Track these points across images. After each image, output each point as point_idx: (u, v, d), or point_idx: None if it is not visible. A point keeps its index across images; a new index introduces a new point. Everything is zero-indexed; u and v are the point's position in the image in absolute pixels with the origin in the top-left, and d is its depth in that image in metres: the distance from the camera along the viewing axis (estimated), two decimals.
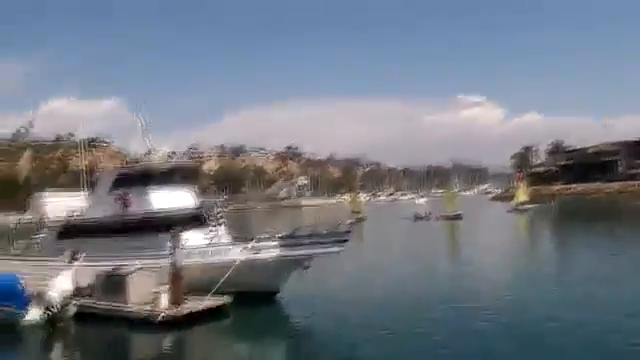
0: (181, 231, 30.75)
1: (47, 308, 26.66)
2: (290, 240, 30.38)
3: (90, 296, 28.55)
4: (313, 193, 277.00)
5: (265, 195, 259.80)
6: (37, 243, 42.87)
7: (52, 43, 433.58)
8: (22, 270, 33.14)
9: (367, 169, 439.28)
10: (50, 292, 27.12)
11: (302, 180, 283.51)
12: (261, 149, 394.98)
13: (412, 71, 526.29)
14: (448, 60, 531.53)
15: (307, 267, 30.29)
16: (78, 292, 29.00)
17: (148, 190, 33.49)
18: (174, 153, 36.31)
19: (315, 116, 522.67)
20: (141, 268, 27.67)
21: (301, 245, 29.62)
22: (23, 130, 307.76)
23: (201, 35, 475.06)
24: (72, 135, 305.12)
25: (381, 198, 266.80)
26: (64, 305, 26.85)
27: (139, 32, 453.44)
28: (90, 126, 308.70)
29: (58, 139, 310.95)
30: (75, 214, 37.84)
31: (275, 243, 30.20)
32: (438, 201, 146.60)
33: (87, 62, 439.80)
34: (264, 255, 29.82)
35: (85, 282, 31.04)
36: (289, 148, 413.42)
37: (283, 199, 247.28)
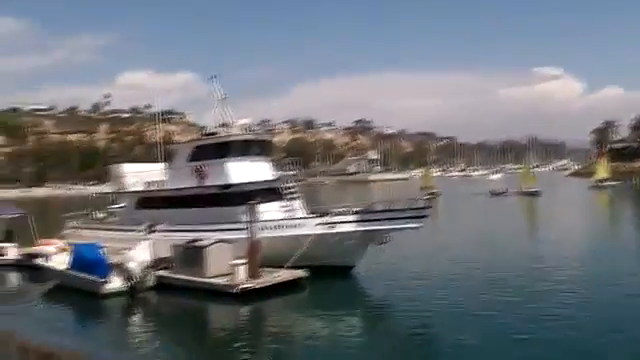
0: (258, 204, 30.87)
1: (128, 278, 27.06)
2: (367, 215, 29.98)
3: (168, 267, 28.81)
4: (383, 168, 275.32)
5: (334, 169, 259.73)
6: (115, 214, 43.95)
7: (128, 17, 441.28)
8: (102, 240, 34.03)
9: (440, 143, 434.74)
10: (131, 262, 27.44)
11: (372, 154, 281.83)
12: (331, 123, 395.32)
13: (488, 44, 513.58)
14: (525, 33, 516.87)
15: (383, 242, 29.86)
16: (156, 263, 29.36)
17: (225, 162, 33.53)
18: (250, 126, 35.87)
19: (388, 89, 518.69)
20: (219, 240, 27.66)
21: (378, 220, 29.17)
22: (101, 103, 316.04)
23: (268, 6, 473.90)
24: (148, 107, 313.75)
25: (453, 173, 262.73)
26: (144, 276, 27.22)
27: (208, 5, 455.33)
28: (165, 99, 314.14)
29: (134, 111, 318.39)
30: (153, 185, 38.43)
31: (351, 217, 29.83)
32: (513, 177, 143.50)
33: (161, 35, 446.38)
34: (340, 229, 29.49)
35: (163, 253, 31.50)
36: (359, 122, 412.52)
37: (352, 174, 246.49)
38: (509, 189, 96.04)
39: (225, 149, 33.88)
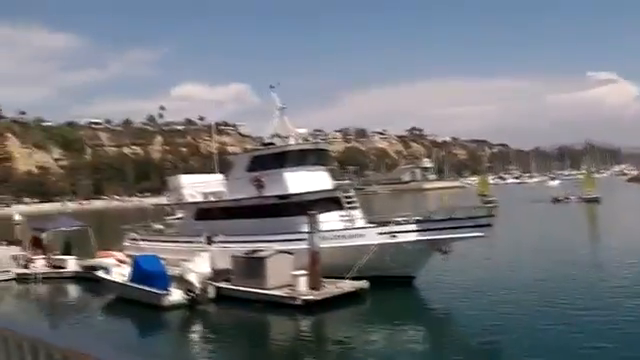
0: (318, 213, 30.38)
1: (188, 290, 26.78)
2: (430, 224, 29.18)
3: (227, 279, 28.47)
4: (437, 176, 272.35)
5: (388, 178, 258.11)
6: (173, 225, 44.01)
7: (180, 31, 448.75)
8: (161, 251, 33.96)
9: (494, 150, 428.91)
10: (191, 274, 27.18)
11: (426, 163, 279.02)
12: (384, 131, 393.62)
13: (539, 49, 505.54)
14: (577, 37, 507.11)
15: (447, 252, 28.98)
16: (217, 274, 29.08)
17: (283, 172, 33.13)
18: (307, 136, 35.45)
19: (440, 97, 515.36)
20: (279, 251, 27.21)
21: (442, 229, 28.32)
22: (155, 115, 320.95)
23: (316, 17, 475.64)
24: (201, 119, 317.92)
25: (508, 181, 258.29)
26: (204, 288, 26.91)
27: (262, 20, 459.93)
28: (218, 110, 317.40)
29: (188, 123, 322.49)
30: (211, 196, 38.30)
31: (413, 227, 29.06)
32: (571, 183, 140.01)
33: (214, 47, 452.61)
34: (402, 239, 28.73)
35: (222, 264, 31.24)
36: (412, 130, 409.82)
37: (407, 182, 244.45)
38: (570, 195, 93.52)
39: (282, 159, 33.52)
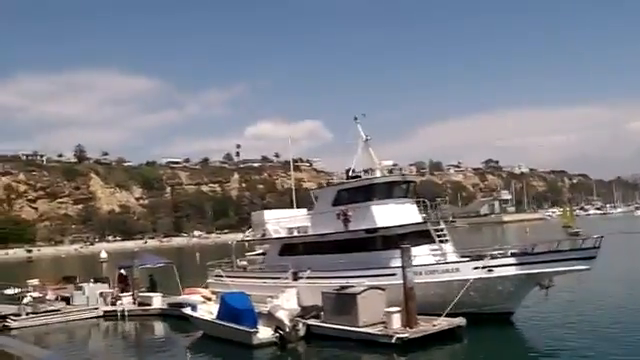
0: (409, 247, 29.37)
1: (277, 328, 25.98)
2: (529, 257, 27.62)
3: (317, 316, 27.57)
4: (516, 208, 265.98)
5: (465, 211, 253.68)
6: (258, 261, 43.55)
7: (252, 70, 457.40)
8: (246, 288, 33.43)
9: (574, 181, 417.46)
10: (280, 311, 26.41)
11: (505, 194, 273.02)
12: (459, 164, 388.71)
13: (617, 74, 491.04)
14: None
15: (549, 286, 27.36)
16: (305, 311, 28.26)
17: (370, 205, 32.22)
18: (392, 168, 34.52)
19: (516, 128, 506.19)
20: (371, 287, 26.17)
21: (542, 262, 26.73)
22: (232, 154, 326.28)
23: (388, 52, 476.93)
24: (277, 156, 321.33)
25: (590, 212, 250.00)
26: (294, 325, 26.04)
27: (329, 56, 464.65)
28: (292, 147, 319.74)
29: (264, 160, 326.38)
30: (295, 231, 37.70)
31: (511, 260, 27.56)
32: None
33: (286, 85, 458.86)
34: (500, 273, 27.24)
35: (309, 300, 30.44)
36: (488, 162, 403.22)
37: (485, 215, 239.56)
38: None
39: (369, 191, 32.64)
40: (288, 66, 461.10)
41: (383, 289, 26.18)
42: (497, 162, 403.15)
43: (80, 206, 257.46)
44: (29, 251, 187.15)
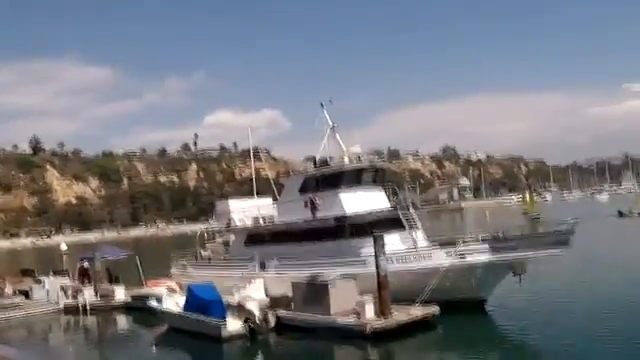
0: (380, 235, 28.97)
1: (247, 319, 25.27)
2: (502, 242, 27.33)
3: (287, 306, 26.94)
4: (474, 195, 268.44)
5: (424, 199, 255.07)
6: (219, 251, 42.71)
7: (209, 59, 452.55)
8: (211, 279, 32.61)
9: (530, 167, 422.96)
10: (249, 302, 25.70)
11: (463, 181, 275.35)
12: (417, 151, 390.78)
13: (572, 61, 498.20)
14: (610, 49, 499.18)
15: (521, 273, 27.09)
16: (274, 301, 27.61)
17: (339, 192, 31.64)
18: (360, 154, 33.95)
19: (471, 115, 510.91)
20: (342, 276, 25.62)
21: (516, 247, 26.45)
22: (190, 143, 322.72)
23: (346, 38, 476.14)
24: (235, 146, 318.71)
25: (548, 198, 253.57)
26: (264, 316, 25.36)
27: (287, 43, 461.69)
28: (252, 136, 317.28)
29: (222, 150, 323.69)
30: (261, 220, 37.01)
31: (484, 246, 27.23)
32: (623, 198, 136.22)
33: (243, 74, 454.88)
34: (472, 259, 26.92)
35: (276, 291, 29.83)
36: (445, 149, 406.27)
37: (444, 202, 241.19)
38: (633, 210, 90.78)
39: (338, 179, 32.02)
40: (245, 53, 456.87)
41: (354, 278, 25.65)
42: (454, 149, 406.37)
43: (36, 198, 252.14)
44: None
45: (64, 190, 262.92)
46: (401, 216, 30.30)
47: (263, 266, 33.01)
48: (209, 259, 41.31)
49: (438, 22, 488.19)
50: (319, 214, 32.13)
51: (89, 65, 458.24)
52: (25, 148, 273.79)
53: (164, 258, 49.53)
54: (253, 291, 31.41)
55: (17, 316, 36.14)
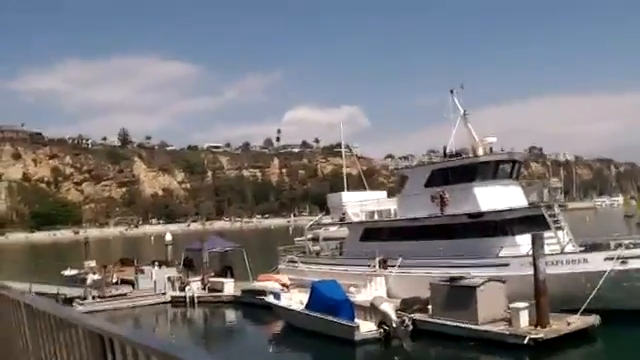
0: (516, 234, 26.25)
1: (381, 322, 22.88)
2: None
3: (421, 309, 24.43)
4: (565, 197, 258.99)
5: None
6: (329, 247, 40.68)
7: (290, 56, 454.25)
8: (324, 275, 30.61)
9: (620, 169, 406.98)
10: (384, 304, 23.29)
11: (555, 183, 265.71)
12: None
13: None
14: None
15: None
16: (405, 304, 25.14)
17: (473, 187, 28.93)
18: (493, 145, 31.10)
19: (560, 115, 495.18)
20: (490, 279, 22.89)
21: None
22: (272, 139, 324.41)
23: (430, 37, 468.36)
24: (317, 142, 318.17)
25: None
26: (402, 320, 22.90)
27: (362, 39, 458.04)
28: (331, 132, 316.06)
29: (304, 146, 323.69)
30: (376, 215, 34.73)
31: None
32: None
33: (324, 70, 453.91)
34: (636, 265, 23.73)
35: (401, 291, 27.52)
36: (532, 149, 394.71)
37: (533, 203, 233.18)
38: None
39: (472, 171, 29.34)
40: (324, 51, 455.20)
41: (503, 281, 22.93)
42: (541, 149, 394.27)
43: (124, 189, 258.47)
44: (76, 232, 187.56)
45: (151, 181, 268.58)
46: (545, 214, 27.31)
47: (385, 264, 30.62)
48: (317, 254, 39.37)
49: (520, 20, 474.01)
50: (448, 209, 29.54)
51: (172, 62, 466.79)
52: (114, 140, 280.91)
53: (265, 252, 47.99)
54: (373, 291, 29.22)
55: (124, 306, 34.95)
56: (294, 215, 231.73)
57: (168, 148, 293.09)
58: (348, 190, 41.25)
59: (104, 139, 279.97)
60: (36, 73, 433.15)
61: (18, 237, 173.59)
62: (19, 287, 24.96)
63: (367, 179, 43.88)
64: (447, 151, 31.55)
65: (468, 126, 31.30)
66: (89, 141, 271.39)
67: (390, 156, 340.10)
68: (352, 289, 28.85)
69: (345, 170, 55.93)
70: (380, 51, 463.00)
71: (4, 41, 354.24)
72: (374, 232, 33.70)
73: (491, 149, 30.91)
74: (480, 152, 30.05)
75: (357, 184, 50.03)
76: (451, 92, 32.17)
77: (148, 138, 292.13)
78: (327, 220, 40.58)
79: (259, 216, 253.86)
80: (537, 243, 21.66)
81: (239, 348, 26.20)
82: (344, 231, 58.59)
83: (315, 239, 45.93)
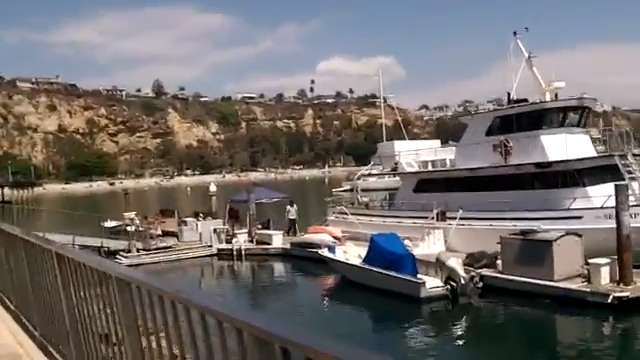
0: (587, 185, 24.59)
1: (448, 278, 21.55)
2: None
3: (490, 265, 23.01)
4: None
5: None
6: (379, 198, 39.35)
7: (326, 5, 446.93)
8: (378, 227, 29.30)
9: None
10: (452, 259, 21.92)
11: (593, 133, 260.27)
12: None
13: None
14: None
15: None
16: (472, 259, 23.72)
17: (539, 135, 27.18)
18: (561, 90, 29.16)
19: (595, 64, 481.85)
20: (567, 233, 21.34)
21: None
22: (305, 89, 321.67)
23: None
24: (351, 92, 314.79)
25: None
26: (471, 277, 21.55)
27: None
28: (366, 83, 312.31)
29: (338, 96, 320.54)
30: (430, 165, 33.24)
31: None
32: None
33: (356, 24, 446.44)
34: None
35: (460, 244, 26.21)
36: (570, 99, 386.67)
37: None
38: None
39: (538, 119, 27.60)
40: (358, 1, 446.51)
41: (580, 235, 21.36)
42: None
43: (159, 140, 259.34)
44: (112, 184, 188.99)
45: (185, 133, 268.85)
46: (619, 163, 25.49)
47: (443, 216, 29.17)
48: (366, 205, 38.05)
49: None
50: (511, 159, 27.87)
51: (205, 12, 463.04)
52: (148, 92, 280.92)
53: (305, 203, 46.80)
54: (431, 244, 27.90)
55: (169, 259, 34.10)
56: (328, 166, 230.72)
57: (202, 99, 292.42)
58: (386, 140, 39.88)
59: (138, 90, 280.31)
60: (70, 25, 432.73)
61: (54, 188, 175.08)
62: (62, 239, 24.26)
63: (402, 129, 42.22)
64: (510, 97, 29.68)
65: (533, 70, 29.35)
66: (123, 92, 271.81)
67: (425, 107, 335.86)
68: (407, 242, 27.43)
69: (383, 120, 54.50)
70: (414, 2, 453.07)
71: None
72: (430, 183, 32.16)
73: (556, 95, 28.99)
74: (547, 98, 28.16)
75: (392, 134, 48.46)
76: (514, 34, 30.17)
77: (182, 89, 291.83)
78: (375, 170, 39.08)
79: (294, 167, 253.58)
80: (621, 194, 19.99)
81: (291, 303, 25.11)
82: (384, 182, 57.66)
83: (352, 190, 44.57)
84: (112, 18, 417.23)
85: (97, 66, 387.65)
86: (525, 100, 28.95)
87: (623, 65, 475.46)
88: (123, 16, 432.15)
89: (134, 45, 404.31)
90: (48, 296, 5.96)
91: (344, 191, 65.60)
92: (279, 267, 32.84)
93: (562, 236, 20.84)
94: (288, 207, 37.29)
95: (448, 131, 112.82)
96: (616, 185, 20.55)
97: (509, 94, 29.95)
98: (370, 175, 42.96)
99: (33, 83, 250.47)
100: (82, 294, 4.74)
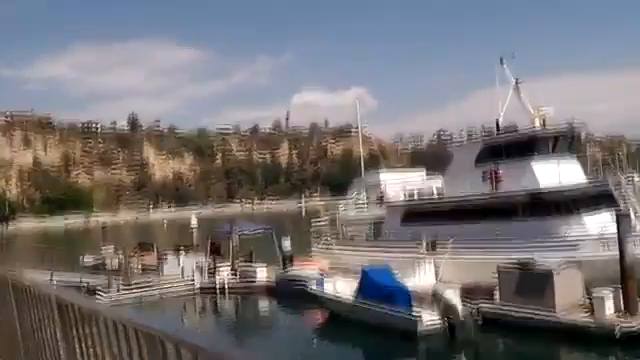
0: (582, 213, 24.05)
1: (446, 313, 20.68)
2: None
3: (487, 297, 22.21)
4: None
5: None
6: (363, 230, 38.57)
7: (297, 39, 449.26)
8: (366, 260, 28.42)
9: (633, 149, 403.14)
10: (448, 291, 21.10)
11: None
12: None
13: None
14: None
15: None
16: (467, 290, 22.90)
17: (531, 162, 26.64)
18: (545, 117, 28.73)
19: (565, 93, 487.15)
20: (567, 263, 20.68)
21: None
22: (281, 120, 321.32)
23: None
24: (326, 123, 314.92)
25: None
26: (469, 311, 20.72)
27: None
28: (339, 114, 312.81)
29: (313, 128, 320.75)
30: (415, 194, 32.59)
31: None
32: None
33: (330, 55, 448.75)
34: None
35: (453, 276, 25.36)
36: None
37: None
38: None
39: (529, 146, 27.06)
40: (330, 34, 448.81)
41: (579, 264, 20.70)
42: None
43: (134, 174, 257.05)
44: (86, 221, 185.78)
45: (161, 165, 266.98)
46: (614, 191, 24.99)
47: (433, 247, 28.42)
48: (352, 238, 37.18)
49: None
50: (502, 187, 27.30)
51: (180, 46, 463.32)
52: (124, 124, 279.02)
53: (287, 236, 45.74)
54: (422, 276, 27.08)
55: (151, 295, 32.88)
56: (305, 197, 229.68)
57: (177, 132, 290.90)
58: (364, 170, 39.32)
59: (113, 123, 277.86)
60: (44, 60, 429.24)
61: (28, 225, 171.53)
62: (40, 277, 23.06)
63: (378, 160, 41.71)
64: (499, 124, 29.21)
65: (521, 96, 28.96)
66: (98, 126, 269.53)
67: (399, 137, 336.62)
68: (398, 274, 26.60)
69: (361, 150, 53.92)
70: (383, 34, 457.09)
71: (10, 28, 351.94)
72: (417, 213, 31.45)
73: (544, 121, 28.56)
74: (537, 124, 27.72)
75: (367, 164, 47.80)
76: (501, 61, 29.82)
77: (157, 122, 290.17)
78: (362, 200, 38.27)
79: (270, 198, 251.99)
80: (623, 223, 19.40)
81: (278, 342, 24.07)
82: (365, 213, 56.69)
83: (333, 222, 43.83)
84: (85, 53, 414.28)
85: (71, 100, 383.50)
86: (514, 128, 28.49)
87: (590, 94, 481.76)
88: (96, 50, 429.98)
89: (109, 79, 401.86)
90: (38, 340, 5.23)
91: (324, 224, 64.58)
92: (264, 303, 31.81)
93: (562, 267, 20.15)
94: (283, 240, 35.93)
95: (422, 161, 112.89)
96: (618, 214, 19.96)
97: (497, 121, 29.46)
98: (355, 206, 42.14)
99: (7, 117, 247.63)
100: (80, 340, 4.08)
